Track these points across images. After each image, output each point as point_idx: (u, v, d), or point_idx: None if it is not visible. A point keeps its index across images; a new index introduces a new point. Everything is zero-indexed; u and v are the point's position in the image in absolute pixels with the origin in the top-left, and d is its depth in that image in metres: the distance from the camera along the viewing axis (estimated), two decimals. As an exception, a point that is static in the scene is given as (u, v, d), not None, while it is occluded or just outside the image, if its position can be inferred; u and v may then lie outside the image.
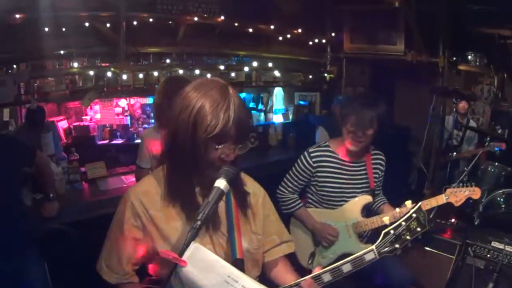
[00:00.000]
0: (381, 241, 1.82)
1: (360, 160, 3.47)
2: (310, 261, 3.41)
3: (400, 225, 1.81)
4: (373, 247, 1.82)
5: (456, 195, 3.18)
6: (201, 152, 1.68)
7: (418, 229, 1.80)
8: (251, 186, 2.06)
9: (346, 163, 3.44)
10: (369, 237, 3.50)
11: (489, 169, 5.14)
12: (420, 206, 1.83)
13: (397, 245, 1.80)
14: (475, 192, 3.19)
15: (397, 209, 3.22)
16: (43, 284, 3.39)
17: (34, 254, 3.30)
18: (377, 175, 3.56)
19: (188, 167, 1.73)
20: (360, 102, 3.24)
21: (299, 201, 3.55)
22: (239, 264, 1.78)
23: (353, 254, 3.35)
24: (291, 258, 2.17)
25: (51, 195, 3.82)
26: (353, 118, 3.23)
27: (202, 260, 1.61)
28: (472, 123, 6.83)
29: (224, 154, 1.71)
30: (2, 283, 3.09)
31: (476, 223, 4.39)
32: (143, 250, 1.82)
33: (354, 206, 3.45)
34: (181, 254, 1.54)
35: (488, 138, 5.65)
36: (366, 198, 3.47)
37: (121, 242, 1.82)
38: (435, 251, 4.02)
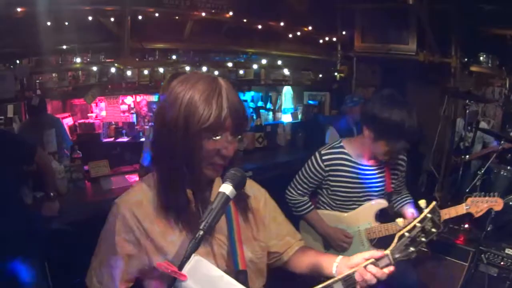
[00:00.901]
0: (395, 245, 1.68)
1: (376, 164, 3.24)
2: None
3: (414, 227, 1.67)
4: (388, 252, 1.67)
5: (477, 205, 3.02)
6: (196, 148, 1.55)
7: (433, 230, 1.66)
8: (251, 188, 1.92)
9: (362, 167, 3.21)
10: (381, 242, 3.31)
11: (502, 173, 5.04)
12: (434, 206, 1.69)
13: (412, 249, 1.66)
14: (497, 203, 3.02)
15: (413, 216, 3.12)
16: (43, 284, 3.35)
17: (34, 253, 3.24)
18: (395, 176, 3.37)
19: (181, 170, 1.59)
20: (404, 124, 2.88)
21: (310, 203, 3.35)
22: (242, 276, 1.66)
23: None
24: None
25: (51, 194, 3.73)
26: (396, 142, 2.96)
27: (204, 274, 1.48)
28: (483, 125, 6.68)
29: (223, 147, 1.58)
30: (2, 282, 3.04)
31: (488, 229, 4.26)
32: (137, 266, 1.68)
33: (368, 211, 3.26)
34: (180, 267, 1.40)
35: (502, 141, 5.50)
36: (381, 203, 3.27)
37: (112, 259, 1.67)
38: (448, 257, 3.93)
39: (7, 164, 3.18)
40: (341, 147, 3.23)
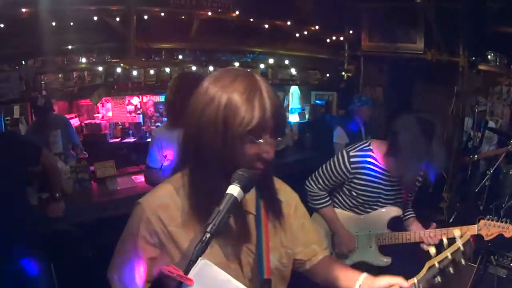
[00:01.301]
0: (424, 274, 1.61)
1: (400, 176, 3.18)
2: None
3: (446, 257, 1.61)
4: (415, 280, 1.60)
5: (489, 228, 3.00)
6: (236, 153, 1.46)
7: (463, 262, 1.61)
8: (284, 193, 1.81)
9: (386, 172, 3.13)
10: (388, 249, 3.30)
11: (511, 173, 4.99)
12: (469, 238, 1.64)
13: (438, 279, 1.59)
14: (508, 230, 2.99)
15: (422, 232, 3.07)
16: (48, 285, 3.34)
17: (39, 254, 3.23)
18: (412, 191, 3.33)
19: (218, 174, 1.48)
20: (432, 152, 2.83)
21: (328, 198, 3.27)
22: (267, 285, 1.59)
23: (370, 264, 3.18)
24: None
25: (57, 194, 3.71)
26: (419, 164, 2.94)
27: (211, 278, 1.41)
28: (491, 124, 6.65)
29: (264, 151, 1.48)
30: (7, 283, 3.04)
31: None
32: (159, 268, 1.56)
33: (382, 217, 3.22)
34: (187, 271, 1.33)
35: (511, 141, 5.45)
36: (396, 211, 3.23)
37: (135, 261, 1.60)
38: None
39: (13, 165, 3.16)
40: (370, 150, 3.14)
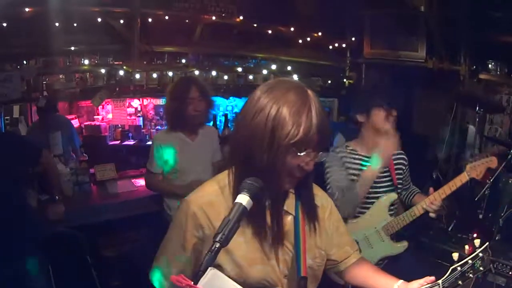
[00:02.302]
0: (447, 276, 1.78)
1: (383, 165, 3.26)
2: None
3: (466, 263, 1.78)
4: (440, 282, 1.77)
5: (476, 168, 3.13)
6: (279, 162, 1.55)
7: (481, 268, 1.78)
8: (320, 198, 1.93)
9: (367, 158, 3.26)
10: (400, 233, 3.37)
11: (510, 182, 4.97)
12: (487, 246, 1.80)
13: (460, 282, 1.77)
14: (492, 161, 3.14)
15: (422, 202, 3.16)
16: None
17: (38, 257, 3.20)
18: (401, 171, 3.44)
19: (262, 177, 1.52)
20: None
21: None
22: (303, 282, 1.71)
23: (390, 256, 3.23)
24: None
25: (56, 197, 3.71)
26: (382, 97, 3.23)
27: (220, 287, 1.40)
28: (472, 130, 6.64)
29: (305, 162, 1.58)
30: (5, 285, 3.02)
31: (497, 238, 4.23)
32: (200, 260, 1.64)
33: (381, 208, 3.28)
34: (196, 280, 1.33)
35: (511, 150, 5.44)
36: (391, 196, 3.30)
37: (182, 257, 1.72)
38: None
39: (12, 166, 3.13)
40: (347, 146, 3.37)
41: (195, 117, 3.70)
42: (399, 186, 3.44)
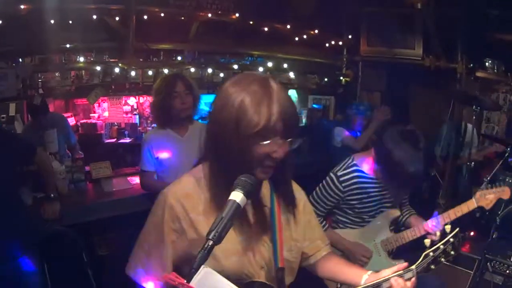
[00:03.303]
0: (420, 261, 1.87)
1: None
2: (339, 285, 3.14)
3: (438, 248, 1.89)
4: (413, 267, 1.84)
5: (486, 197, 3.05)
6: (246, 152, 1.57)
7: (452, 252, 1.89)
8: (294, 190, 1.94)
9: (374, 180, 3.21)
10: (396, 252, 3.33)
11: (508, 180, 4.98)
12: (457, 232, 1.90)
13: (432, 266, 1.88)
14: (504, 192, 3.06)
15: (425, 224, 3.12)
16: (41, 286, 3.28)
17: (33, 256, 3.17)
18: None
19: (232, 169, 1.57)
20: (413, 154, 2.95)
21: (324, 222, 3.31)
22: (280, 273, 1.75)
23: None
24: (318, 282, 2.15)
25: (52, 195, 3.69)
26: (406, 167, 2.93)
27: (213, 286, 1.42)
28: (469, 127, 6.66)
29: (273, 151, 1.58)
30: (1, 283, 2.99)
31: (494, 236, 4.23)
32: (179, 253, 1.73)
33: (382, 222, 3.27)
34: (189, 279, 1.34)
35: (509, 149, 5.44)
36: (394, 213, 3.29)
37: (161, 247, 1.73)
38: (453, 265, 3.85)
39: (7, 164, 3.11)
40: (355, 165, 3.22)
41: (182, 111, 3.69)
42: (403, 200, 3.45)
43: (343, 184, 3.16)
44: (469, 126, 6.19)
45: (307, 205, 2.04)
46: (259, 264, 1.72)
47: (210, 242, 1.33)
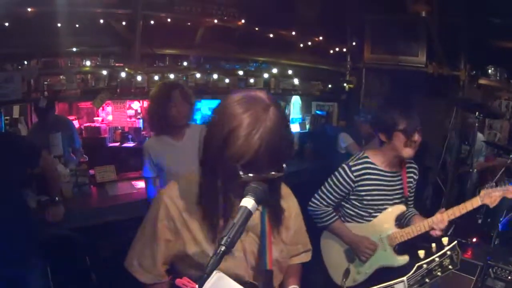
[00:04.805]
0: (413, 273, 1.83)
1: (397, 170, 3.28)
2: (344, 279, 3.21)
3: (433, 260, 1.83)
4: (404, 278, 1.82)
5: (491, 196, 3.01)
6: (230, 177, 1.53)
7: (450, 266, 1.83)
8: (289, 199, 2.00)
9: (386, 174, 3.25)
10: (402, 247, 3.33)
11: (512, 184, 4.99)
12: (455, 244, 1.84)
13: (427, 280, 1.82)
14: (509, 191, 3.01)
15: (430, 220, 3.09)
16: None
17: (36, 259, 3.20)
18: (411, 184, 3.39)
19: (217, 183, 1.64)
20: (401, 107, 3.13)
21: (334, 213, 3.34)
22: (269, 275, 1.77)
23: (390, 267, 3.19)
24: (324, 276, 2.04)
25: (56, 198, 3.69)
26: (405, 122, 3.07)
27: None
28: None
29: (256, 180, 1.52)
30: (4, 286, 3.02)
31: (496, 242, 4.24)
32: (174, 251, 1.81)
33: (388, 217, 3.27)
34: (201, 284, 1.34)
35: (510, 155, 5.45)
36: (400, 208, 3.29)
37: (154, 242, 1.81)
38: (455, 271, 3.82)
39: (11, 167, 3.11)
40: (366, 157, 3.26)
41: (177, 120, 3.69)
42: (410, 199, 3.44)
43: (354, 174, 3.19)
44: (479, 135, 6.21)
45: (299, 216, 2.06)
46: (250, 265, 1.77)
47: (223, 248, 1.32)
